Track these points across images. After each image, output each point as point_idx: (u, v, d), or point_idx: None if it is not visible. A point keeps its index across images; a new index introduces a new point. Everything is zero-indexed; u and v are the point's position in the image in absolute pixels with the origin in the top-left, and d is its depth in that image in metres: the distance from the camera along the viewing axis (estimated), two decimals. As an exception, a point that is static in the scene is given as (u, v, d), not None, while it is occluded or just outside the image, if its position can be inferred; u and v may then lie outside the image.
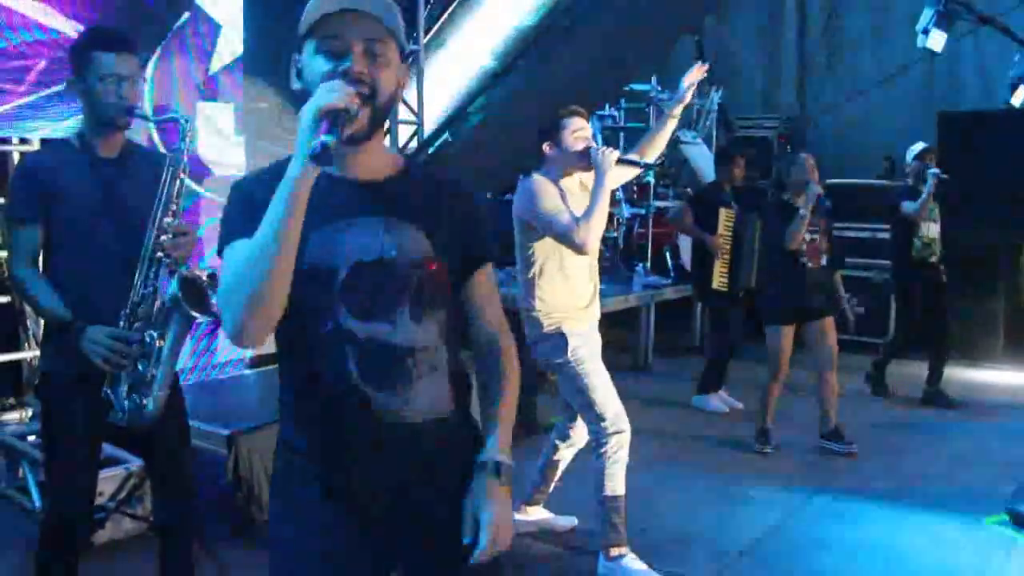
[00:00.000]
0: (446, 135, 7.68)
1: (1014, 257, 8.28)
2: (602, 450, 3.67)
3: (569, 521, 4.20)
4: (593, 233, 3.48)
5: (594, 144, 3.69)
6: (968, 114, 8.57)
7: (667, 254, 8.65)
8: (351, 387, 1.67)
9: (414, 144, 7.12)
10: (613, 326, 7.77)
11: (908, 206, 6.40)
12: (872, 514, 4.40)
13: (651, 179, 8.62)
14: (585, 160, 3.63)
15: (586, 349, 3.70)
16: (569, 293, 3.70)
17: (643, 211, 8.70)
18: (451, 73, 7.38)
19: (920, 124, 8.89)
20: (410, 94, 7.12)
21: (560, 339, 3.67)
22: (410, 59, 7.21)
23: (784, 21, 10.65)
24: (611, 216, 8.73)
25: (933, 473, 5.13)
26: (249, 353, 5.48)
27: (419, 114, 7.09)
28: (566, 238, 3.50)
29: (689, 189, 8.59)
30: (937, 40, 7.75)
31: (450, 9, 7.34)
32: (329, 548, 1.74)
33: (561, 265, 3.66)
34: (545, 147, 3.71)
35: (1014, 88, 7.85)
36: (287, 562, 1.77)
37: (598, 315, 3.85)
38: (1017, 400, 6.95)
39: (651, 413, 6.28)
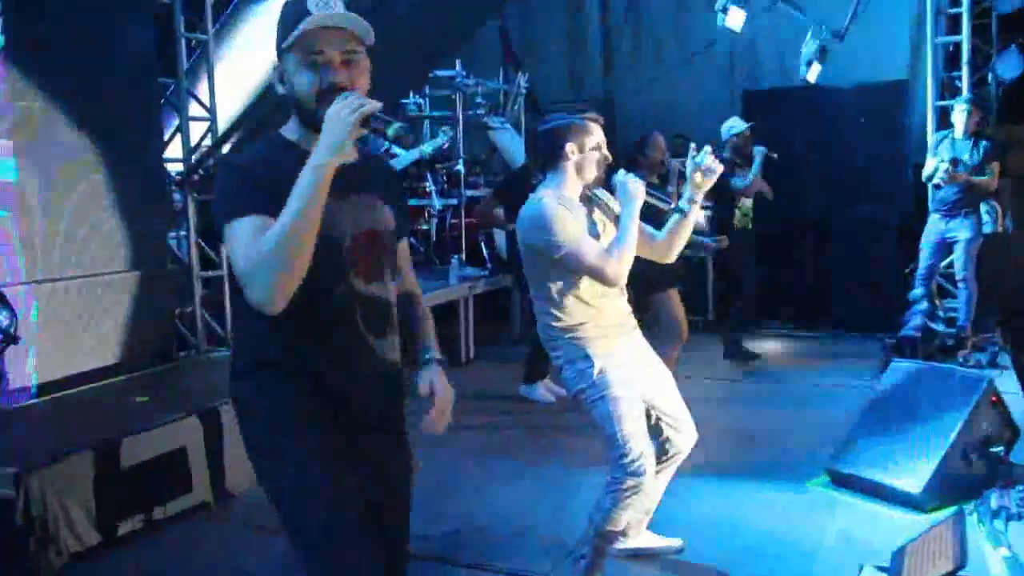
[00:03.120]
0: (241, 132, 7.48)
1: (819, 224, 8.89)
2: (615, 488, 3.37)
3: (675, 543, 3.94)
4: (625, 264, 3.31)
5: (608, 156, 3.54)
6: (769, 91, 9.10)
7: (482, 244, 8.72)
8: (359, 337, 2.16)
9: (207, 142, 6.88)
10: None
11: (737, 182, 7.01)
12: (706, 490, 4.60)
13: (462, 168, 8.69)
14: (601, 177, 3.51)
15: (618, 373, 3.39)
16: (596, 312, 3.43)
17: (455, 201, 8.75)
18: (245, 65, 7.19)
19: (724, 102, 9.39)
20: (201, 88, 6.88)
21: (585, 363, 3.40)
22: (198, 51, 6.97)
23: (587, 4, 10.96)
24: (423, 208, 8.75)
25: (760, 442, 5.45)
26: (35, 381, 5.17)
27: (211, 110, 6.86)
28: (591, 270, 3.31)
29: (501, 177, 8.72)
30: (736, 18, 8.21)
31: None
32: (333, 453, 2.15)
33: (583, 283, 3.40)
34: (568, 149, 3.47)
35: (808, 65, 8.42)
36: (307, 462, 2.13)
37: (635, 334, 3.59)
38: (827, 363, 7.53)
39: (477, 407, 6.35)
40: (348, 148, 1.92)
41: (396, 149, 8.23)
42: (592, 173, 3.51)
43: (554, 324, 3.45)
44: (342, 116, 1.90)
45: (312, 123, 2.03)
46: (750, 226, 7.32)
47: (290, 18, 2.04)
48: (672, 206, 3.50)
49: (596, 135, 3.52)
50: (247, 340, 2.22)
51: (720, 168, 3.42)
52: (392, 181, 2.40)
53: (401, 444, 2.36)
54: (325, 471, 2.12)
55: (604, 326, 3.45)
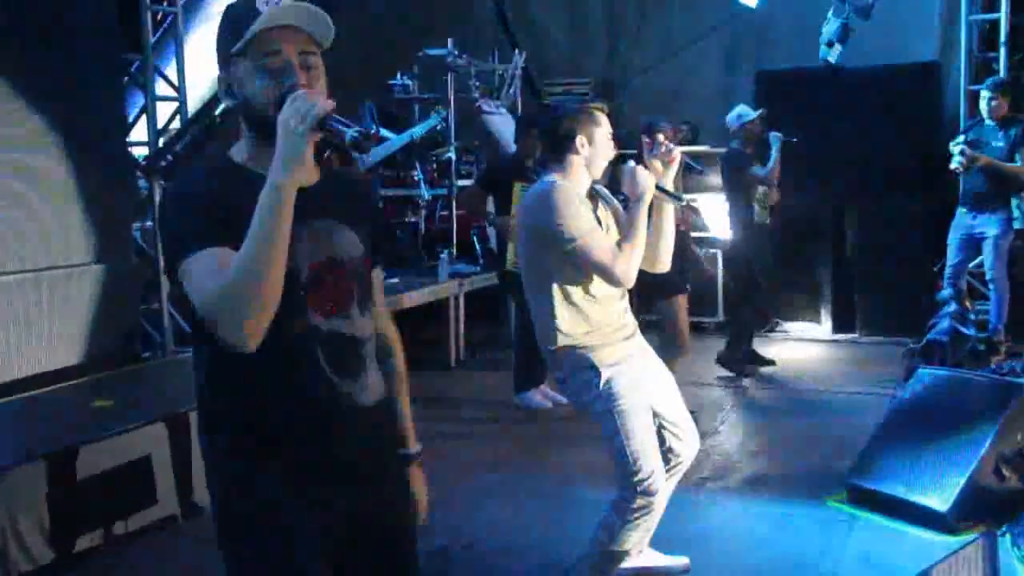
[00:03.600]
0: (215, 113, 7.46)
1: (837, 218, 8.87)
2: (624, 507, 3.40)
3: (681, 562, 3.93)
4: (635, 264, 3.33)
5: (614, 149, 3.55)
6: (787, 72, 9.06)
7: (474, 238, 8.70)
8: (323, 380, 2.06)
9: (176, 124, 6.88)
10: (417, 320, 7.83)
11: (757, 170, 6.96)
12: (715, 505, 4.60)
13: (452, 155, 8.67)
14: (610, 170, 3.49)
15: (625, 380, 3.41)
16: (599, 316, 3.44)
17: (445, 192, 8.73)
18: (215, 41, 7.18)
19: (736, 86, 9.38)
20: (169, 66, 6.87)
21: (591, 372, 3.40)
22: (167, 22, 6.96)
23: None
24: (411, 199, 8.73)
25: (773, 454, 5.45)
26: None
27: (180, 89, 6.85)
28: (601, 267, 3.31)
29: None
30: (751, -7, 8.22)
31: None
32: (291, 525, 2.08)
33: (586, 283, 3.41)
34: (579, 142, 3.45)
35: (829, 45, 8.39)
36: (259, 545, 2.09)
37: (636, 336, 3.59)
38: (846, 369, 7.54)
39: (468, 414, 6.35)
40: (306, 161, 1.83)
41: (385, 132, 8.21)
42: (601, 168, 3.52)
43: (556, 330, 3.43)
44: (291, 127, 1.82)
45: (271, 135, 1.90)
46: (768, 220, 7.31)
47: (239, 20, 1.95)
48: (684, 202, 3.50)
49: (606, 126, 3.52)
50: (206, 391, 2.16)
51: (678, 151, 3.46)
52: (362, 197, 2.28)
53: (394, 491, 2.28)
54: (273, 537, 2.08)
55: (607, 332, 3.45)
